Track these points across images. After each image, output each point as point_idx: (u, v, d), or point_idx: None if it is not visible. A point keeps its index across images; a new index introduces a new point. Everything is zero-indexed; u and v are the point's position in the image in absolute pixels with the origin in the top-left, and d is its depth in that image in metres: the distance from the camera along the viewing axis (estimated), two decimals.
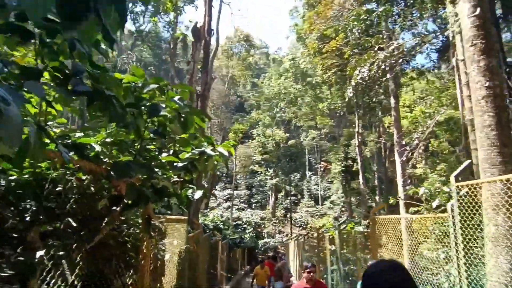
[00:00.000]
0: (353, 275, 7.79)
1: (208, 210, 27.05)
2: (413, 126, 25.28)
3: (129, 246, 3.82)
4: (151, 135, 3.15)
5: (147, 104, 2.67)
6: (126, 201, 3.21)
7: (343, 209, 36.83)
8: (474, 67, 4.69)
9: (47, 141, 1.85)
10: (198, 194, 3.23)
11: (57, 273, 2.29)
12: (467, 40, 4.85)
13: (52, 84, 2.03)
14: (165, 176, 3.12)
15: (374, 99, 20.74)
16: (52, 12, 1.44)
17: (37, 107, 2.19)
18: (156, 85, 2.65)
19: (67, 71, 1.95)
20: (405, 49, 14.24)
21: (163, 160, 3.18)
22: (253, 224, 31.56)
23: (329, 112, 39.94)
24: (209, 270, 10.59)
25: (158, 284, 4.21)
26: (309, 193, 43.98)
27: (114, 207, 3.12)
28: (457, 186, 3.70)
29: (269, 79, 40.54)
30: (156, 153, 3.27)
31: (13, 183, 2.60)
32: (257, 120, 41.16)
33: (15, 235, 2.46)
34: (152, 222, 3.25)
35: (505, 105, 4.78)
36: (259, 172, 40.58)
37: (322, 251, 11.34)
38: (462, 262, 3.54)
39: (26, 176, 2.69)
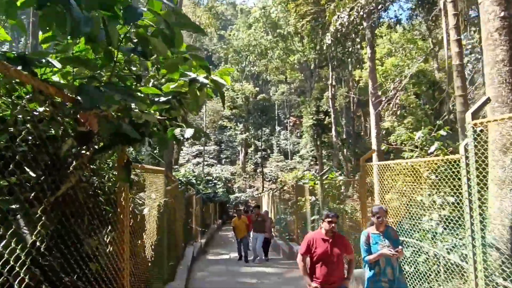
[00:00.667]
0: (339, 224, 7.72)
1: (178, 166, 26.44)
2: (384, 79, 25.40)
3: (102, 200, 3.20)
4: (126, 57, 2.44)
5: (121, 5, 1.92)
6: (98, 141, 2.54)
7: (312, 163, 37.66)
8: None
9: None
10: (189, 132, 2.62)
11: (10, 232, 1.67)
12: None
13: None
14: (145, 112, 2.46)
15: (349, 49, 20.16)
16: None
17: None
18: None
19: None
20: None
21: (143, 93, 2.50)
22: (224, 179, 31.52)
23: (299, 66, 39.24)
24: (185, 225, 10.25)
25: (139, 241, 3.68)
26: (278, 148, 44.33)
27: (83, 150, 2.45)
28: (475, 124, 3.35)
29: (237, 30, 38.53)
30: (134, 83, 2.57)
31: None
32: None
33: None
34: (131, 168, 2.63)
35: None
36: (229, 127, 39.98)
37: (298, 202, 11.33)
38: (476, 205, 3.29)
39: None
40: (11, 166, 1.88)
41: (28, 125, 2.21)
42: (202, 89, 2.56)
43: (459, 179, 4.39)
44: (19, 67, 1.76)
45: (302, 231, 10.60)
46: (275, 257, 11.06)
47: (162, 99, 2.63)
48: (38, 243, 2.08)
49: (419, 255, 4.39)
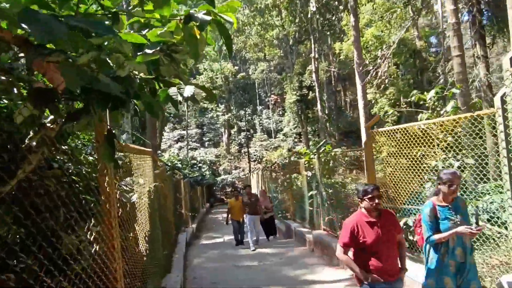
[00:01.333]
0: (340, 197, 7.34)
1: (160, 152, 25.52)
2: (365, 50, 24.97)
3: (80, 188, 2.57)
4: None
5: None
6: (66, 106, 1.89)
7: (296, 140, 37.40)
8: None
9: None
10: (188, 90, 1.99)
11: None
12: None
13: None
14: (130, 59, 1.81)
15: (330, 20, 19.48)
16: None
17: None
18: None
19: None
20: None
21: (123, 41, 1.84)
22: (208, 162, 30.87)
23: (278, 42, 38.26)
24: (176, 211, 9.66)
25: (131, 234, 3.08)
26: (261, 127, 43.79)
27: (44, 120, 1.80)
28: None
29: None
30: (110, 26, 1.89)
31: None
32: (203, 53, 38.26)
33: None
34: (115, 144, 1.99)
35: None
36: (210, 109, 39.00)
37: (289, 178, 10.91)
38: None
39: None
40: None
41: None
42: (203, 29, 1.92)
43: (480, 137, 4.00)
44: None
45: (299, 209, 10.23)
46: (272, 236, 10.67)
47: (148, 51, 1.98)
48: None
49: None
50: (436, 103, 4.80)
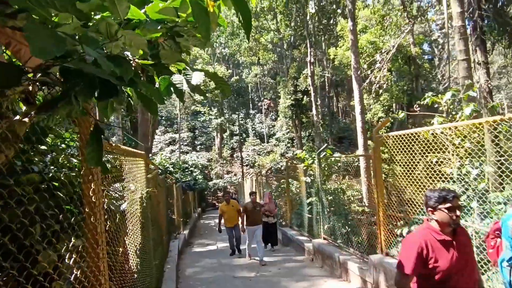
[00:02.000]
0: (340, 203, 6.99)
1: (151, 155, 24.94)
2: (359, 56, 24.91)
3: (63, 197, 2.15)
4: None
5: None
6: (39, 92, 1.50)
7: (289, 145, 37.11)
8: None
9: None
10: (197, 77, 1.61)
11: None
12: None
13: None
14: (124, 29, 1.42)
15: (327, 24, 19.31)
16: None
17: None
18: None
19: None
20: None
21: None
22: (200, 166, 30.33)
23: (273, 46, 38.06)
24: (168, 217, 9.20)
25: (121, 248, 2.66)
26: (254, 131, 43.43)
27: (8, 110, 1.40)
28: None
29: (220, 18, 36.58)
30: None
31: None
32: (195, 56, 37.86)
33: None
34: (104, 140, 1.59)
35: None
36: (202, 112, 38.53)
37: (286, 184, 10.55)
38: None
39: None
40: None
41: None
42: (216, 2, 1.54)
43: (497, 144, 3.71)
44: None
45: (297, 216, 9.86)
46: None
47: (148, 28, 1.60)
48: None
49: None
50: (452, 106, 4.50)
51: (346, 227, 6.76)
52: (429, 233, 2.27)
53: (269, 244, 9.44)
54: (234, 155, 39.20)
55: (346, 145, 36.66)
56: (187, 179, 17.74)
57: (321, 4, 14.87)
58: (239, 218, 8.79)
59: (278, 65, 43.44)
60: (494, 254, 2.79)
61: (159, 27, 1.72)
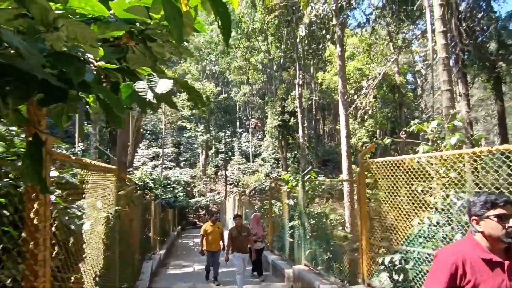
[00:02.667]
0: (323, 227, 6.76)
1: (132, 169, 24.27)
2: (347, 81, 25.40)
3: (8, 216, 1.86)
4: None
5: None
6: None
7: (274, 165, 36.94)
8: None
9: None
10: (163, 84, 1.40)
11: None
12: None
13: None
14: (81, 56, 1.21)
15: (316, 48, 19.62)
16: None
17: None
18: None
19: None
20: None
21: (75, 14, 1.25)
22: (183, 183, 29.71)
23: (262, 67, 38.51)
24: (142, 235, 8.73)
25: (73, 277, 2.34)
26: (239, 150, 43.17)
27: None
28: None
29: (198, 23, 36.90)
30: None
31: None
32: (185, 71, 37.85)
33: None
34: (51, 156, 1.35)
35: None
36: (188, 128, 38.18)
37: (268, 205, 10.27)
38: None
39: None
40: None
41: None
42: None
43: (477, 177, 3.61)
44: None
45: (278, 239, 9.54)
46: (248, 268, 9.55)
47: (112, 22, 1.39)
48: None
49: None
50: (437, 135, 4.42)
51: (328, 253, 6.53)
52: (471, 249, 1.74)
53: (255, 272, 8.69)
54: (219, 173, 38.70)
55: (331, 168, 36.80)
56: (167, 196, 17.22)
57: (312, 28, 15.07)
58: (221, 242, 8.12)
59: (267, 86, 43.82)
60: None
61: (127, 26, 1.53)
